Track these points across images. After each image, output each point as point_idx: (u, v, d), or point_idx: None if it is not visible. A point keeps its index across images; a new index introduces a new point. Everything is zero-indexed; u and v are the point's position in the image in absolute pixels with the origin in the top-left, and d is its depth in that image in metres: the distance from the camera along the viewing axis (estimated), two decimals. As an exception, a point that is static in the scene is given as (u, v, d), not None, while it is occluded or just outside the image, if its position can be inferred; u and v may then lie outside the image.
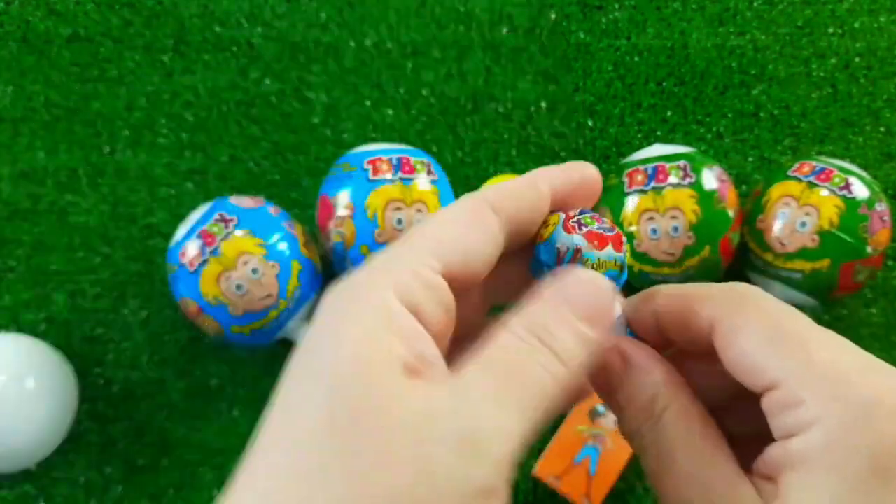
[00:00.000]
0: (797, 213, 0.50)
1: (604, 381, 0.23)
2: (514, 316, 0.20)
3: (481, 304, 0.25)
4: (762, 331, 0.20)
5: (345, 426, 0.17)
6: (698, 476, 0.20)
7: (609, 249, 0.22)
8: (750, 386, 0.20)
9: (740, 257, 0.53)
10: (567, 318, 0.20)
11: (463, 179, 0.59)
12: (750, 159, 0.61)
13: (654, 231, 0.49)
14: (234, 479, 0.18)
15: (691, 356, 0.23)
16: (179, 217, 0.57)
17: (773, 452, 0.19)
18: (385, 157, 0.50)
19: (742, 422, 0.22)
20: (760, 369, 0.20)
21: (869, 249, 0.49)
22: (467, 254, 0.21)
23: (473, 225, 0.21)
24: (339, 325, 0.19)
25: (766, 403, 0.20)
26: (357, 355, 0.18)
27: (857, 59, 0.63)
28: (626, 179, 0.51)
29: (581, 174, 0.23)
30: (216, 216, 0.49)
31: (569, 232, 0.22)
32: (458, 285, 0.21)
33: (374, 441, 0.17)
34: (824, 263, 0.49)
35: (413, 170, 0.50)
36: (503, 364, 0.19)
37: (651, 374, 0.22)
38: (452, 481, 0.17)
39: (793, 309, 0.21)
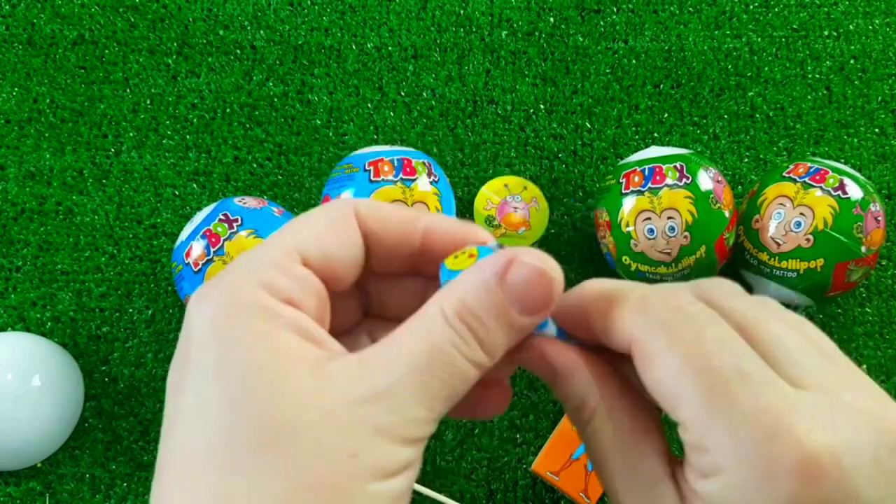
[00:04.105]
0: (792, 213, 0.50)
1: (543, 377, 0.23)
2: (449, 295, 0.20)
3: (357, 311, 0.25)
4: (678, 364, 0.19)
5: (258, 444, 0.17)
6: (625, 474, 0.20)
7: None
8: (666, 412, 0.20)
9: (736, 256, 0.54)
10: (504, 308, 0.20)
11: (463, 180, 0.60)
12: (745, 160, 0.61)
13: (651, 231, 0.50)
14: None
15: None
16: (184, 217, 0.58)
17: (688, 475, 0.19)
18: (387, 159, 0.51)
19: None
20: (672, 406, 0.19)
21: (863, 249, 0.49)
22: (327, 251, 0.21)
23: (334, 226, 0.21)
24: (222, 330, 0.19)
25: (681, 434, 0.19)
26: (252, 358, 0.18)
27: (851, 62, 0.64)
28: (623, 181, 0.51)
29: (469, 236, 0.22)
30: (220, 217, 0.49)
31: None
32: (324, 281, 0.21)
33: (294, 450, 0.17)
34: (819, 263, 0.49)
35: (414, 171, 0.51)
36: (428, 351, 0.19)
37: (575, 379, 0.21)
38: (372, 467, 0.18)
39: (712, 320, 0.20)
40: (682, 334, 0.19)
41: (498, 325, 0.20)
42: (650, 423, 0.21)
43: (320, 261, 0.21)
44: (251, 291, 0.19)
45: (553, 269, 0.20)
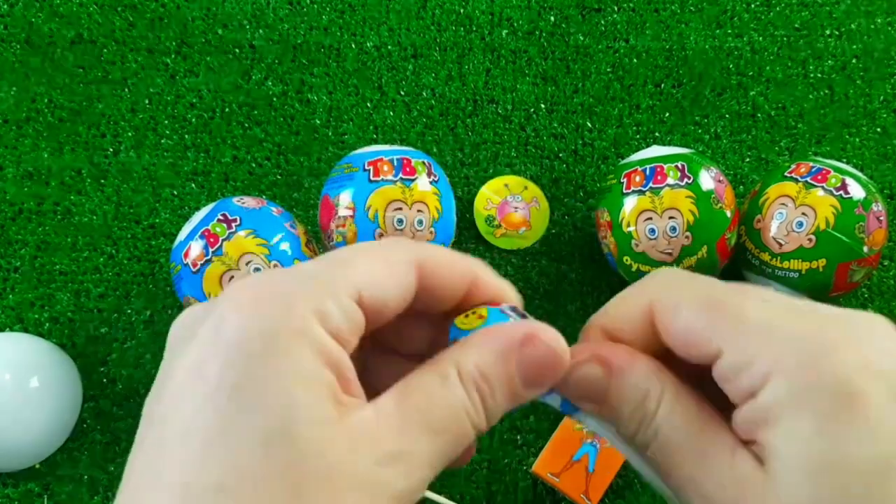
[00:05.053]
0: (794, 213, 0.50)
1: (588, 392, 0.22)
2: (466, 356, 0.20)
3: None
4: (696, 303, 0.21)
5: (286, 484, 0.17)
6: (703, 454, 0.20)
7: None
8: (697, 359, 0.21)
9: (737, 256, 0.54)
10: (511, 379, 0.20)
11: (463, 180, 0.60)
12: (747, 160, 0.61)
13: (652, 231, 0.50)
14: None
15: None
16: (183, 217, 0.58)
17: (742, 416, 0.20)
18: (386, 159, 0.51)
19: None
20: (704, 340, 0.20)
21: (865, 249, 0.49)
22: (383, 296, 0.21)
23: (395, 272, 0.21)
24: (268, 350, 0.18)
25: (718, 372, 0.20)
26: (292, 393, 0.18)
27: (853, 61, 0.64)
28: (624, 180, 0.51)
29: (507, 294, 0.23)
30: (219, 216, 0.49)
31: (506, 313, 0.22)
32: (367, 320, 0.21)
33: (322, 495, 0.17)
34: (821, 263, 0.49)
35: (414, 171, 0.51)
36: (446, 416, 0.19)
37: (636, 370, 0.22)
38: None
39: (717, 280, 0.22)
40: (694, 287, 0.22)
41: (503, 395, 0.20)
42: (709, 404, 0.21)
43: (374, 304, 0.20)
44: (305, 316, 0.19)
45: (566, 351, 0.21)
